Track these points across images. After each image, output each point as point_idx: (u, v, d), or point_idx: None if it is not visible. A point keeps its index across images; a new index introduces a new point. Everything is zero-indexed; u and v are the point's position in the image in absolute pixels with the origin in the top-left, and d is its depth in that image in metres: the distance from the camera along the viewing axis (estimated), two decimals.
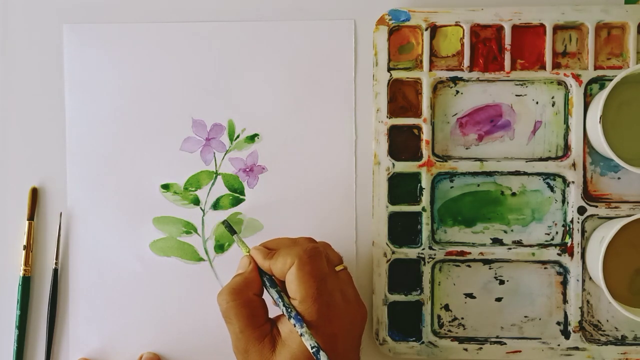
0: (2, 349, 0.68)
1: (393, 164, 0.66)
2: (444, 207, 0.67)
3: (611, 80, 0.62)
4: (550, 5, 0.65)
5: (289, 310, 0.56)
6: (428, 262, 0.66)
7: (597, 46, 0.65)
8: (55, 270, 0.68)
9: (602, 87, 0.65)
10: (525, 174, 0.66)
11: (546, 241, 0.66)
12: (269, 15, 0.67)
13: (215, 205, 0.68)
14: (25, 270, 0.68)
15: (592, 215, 0.65)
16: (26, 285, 0.68)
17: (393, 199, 0.66)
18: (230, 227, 0.63)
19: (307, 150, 0.67)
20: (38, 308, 0.68)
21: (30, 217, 0.68)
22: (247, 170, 0.68)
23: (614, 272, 0.62)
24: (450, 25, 0.66)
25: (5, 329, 0.68)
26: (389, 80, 0.66)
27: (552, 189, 0.66)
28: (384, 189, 0.66)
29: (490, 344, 0.66)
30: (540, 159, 0.66)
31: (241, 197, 0.68)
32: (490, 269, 0.66)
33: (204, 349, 0.68)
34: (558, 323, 0.66)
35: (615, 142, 0.61)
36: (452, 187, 0.66)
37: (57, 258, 0.68)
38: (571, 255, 0.65)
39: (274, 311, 0.59)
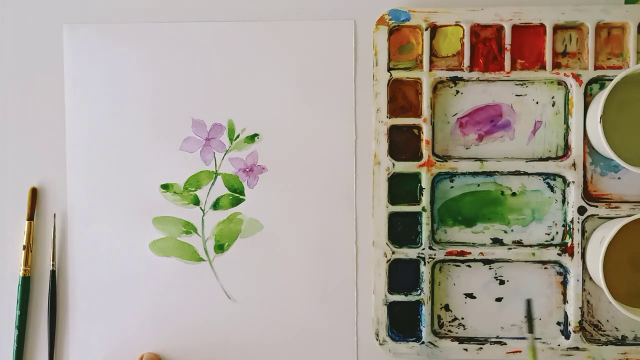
0: (2, 349, 0.68)
1: (393, 164, 0.66)
2: (444, 207, 0.66)
3: (611, 80, 0.62)
4: (550, 5, 0.65)
5: None
6: (428, 262, 0.66)
7: (597, 46, 0.65)
8: (53, 272, 0.68)
9: (602, 87, 0.65)
10: (525, 174, 0.66)
11: (546, 241, 0.66)
12: (269, 15, 0.67)
13: (215, 205, 0.68)
14: (25, 270, 0.67)
15: (592, 215, 0.65)
16: (26, 285, 0.68)
17: (393, 199, 0.66)
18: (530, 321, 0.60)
19: (307, 150, 0.67)
20: (38, 308, 0.68)
21: (30, 217, 0.68)
22: (247, 170, 0.68)
23: (614, 272, 0.62)
24: (450, 25, 0.66)
25: (5, 329, 0.68)
26: (389, 80, 0.66)
27: (552, 189, 0.66)
28: (384, 189, 0.66)
29: (490, 344, 0.66)
30: (541, 159, 0.66)
31: (241, 197, 0.68)
32: (490, 269, 0.66)
33: (204, 349, 0.67)
34: (558, 323, 0.66)
35: (615, 142, 0.61)
36: (452, 187, 0.66)
37: (53, 259, 0.68)
38: (571, 255, 0.65)
39: None
